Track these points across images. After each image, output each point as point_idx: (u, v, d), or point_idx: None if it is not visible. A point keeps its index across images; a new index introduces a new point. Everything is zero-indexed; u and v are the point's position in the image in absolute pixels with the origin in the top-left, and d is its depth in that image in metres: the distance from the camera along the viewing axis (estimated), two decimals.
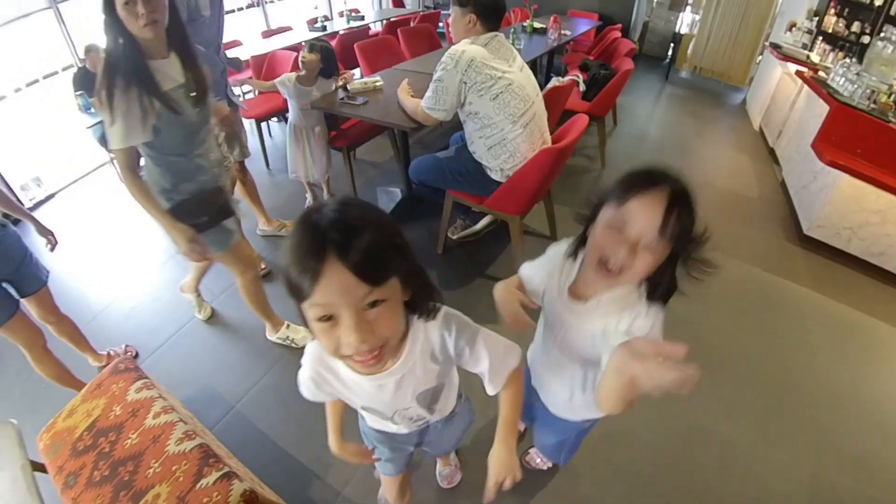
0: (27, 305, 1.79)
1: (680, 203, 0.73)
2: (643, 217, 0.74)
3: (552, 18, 4.24)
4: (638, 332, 0.82)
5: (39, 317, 1.86)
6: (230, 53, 4.26)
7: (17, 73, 3.90)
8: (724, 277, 2.54)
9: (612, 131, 4.30)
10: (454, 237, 2.78)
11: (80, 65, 3.87)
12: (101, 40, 1.36)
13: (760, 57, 5.25)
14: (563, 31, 4.28)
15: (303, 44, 2.89)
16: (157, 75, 1.41)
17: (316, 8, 5.76)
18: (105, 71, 1.33)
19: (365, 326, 0.59)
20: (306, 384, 0.88)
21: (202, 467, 1.29)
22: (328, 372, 0.84)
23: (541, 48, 4.03)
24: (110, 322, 2.42)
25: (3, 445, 1.40)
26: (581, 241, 0.89)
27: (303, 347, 2.22)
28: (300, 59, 2.72)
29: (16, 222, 1.77)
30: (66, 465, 1.35)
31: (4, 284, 1.67)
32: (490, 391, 0.92)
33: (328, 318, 0.59)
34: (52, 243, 1.89)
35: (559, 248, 0.99)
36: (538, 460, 1.68)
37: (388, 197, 3.19)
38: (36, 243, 1.87)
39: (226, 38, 4.64)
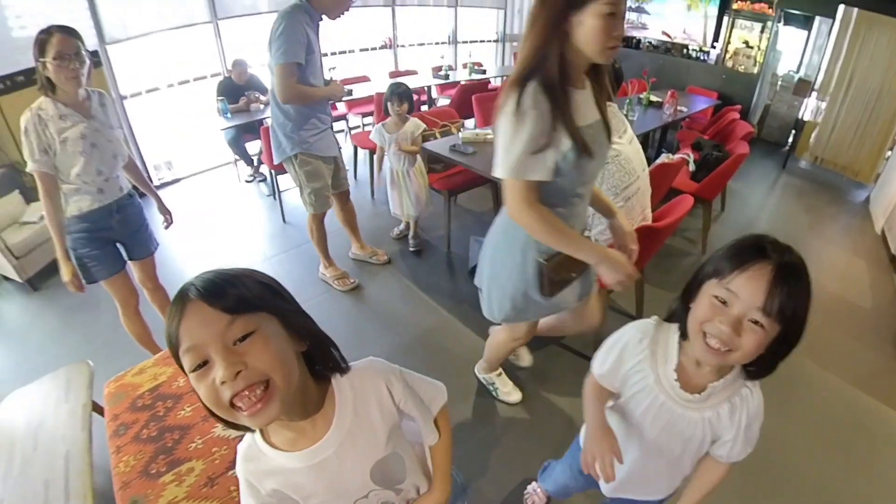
0: (132, 268, 2.02)
1: (789, 279, 0.68)
2: (747, 292, 0.69)
3: (669, 93, 4.17)
4: (755, 416, 0.83)
5: (139, 280, 2.08)
6: (359, 88, 4.67)
7: (173, 71, 4.55)
8: (818, 393, 2.25)
9: (718, 216, 4.06)
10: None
11: (226, 74, 4.43)
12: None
13: (890, 152, 4.75)
14: (679, 107, 4.18)
15: (390, 94, 2.88)
16: (576, 109, 1.19)
17: (442, 57, 6.14)
18: (537, 87, 1.12)
19: (234, 358, 0.57)
20: (242, 489, 0.76)
21: None
22: (259, 467, 0.73)
23: (654, 122, 3.96)
24: None
25: (75, 381, 1.56)
26: (679, 318, 0.83)
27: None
28: (394, 110, 2.81)
29: (142, 196, 2.02)
30: (121, 415, 1.47)
31: (118, 245, 1.91)
32: (429, 441, 0.89)
33: (202, 365, 0.57)
34: (168, 222, 2.14)
35: (642, 330, 0.91)
36: None
37: (479, 246, 3.20)
38: (154, 218, 2.11)
39: (357, 74, 5.15)
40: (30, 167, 1.62)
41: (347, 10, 2.24)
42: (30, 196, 3.08)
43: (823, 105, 5.31)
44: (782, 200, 4.77)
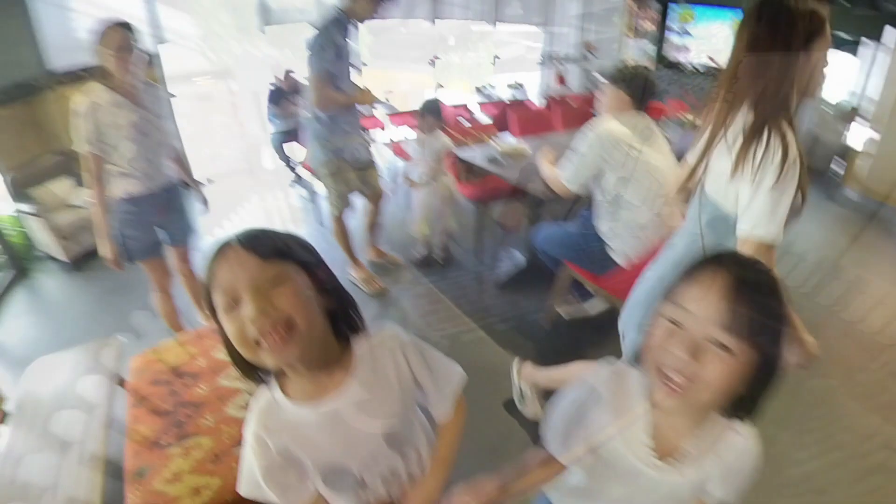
0: (169, 253, 2.11)
1: (752, 290, 0.58)
2: (699, 305, 0.59)
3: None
4: (747, 465, 0.71)
5: (175, 265, 2.17)
6: (401, 101, 4.79)
7: (225, 76, 4.79)
8: (859, 434, 2.10)
9: None
10: (565, 315, 2.66)
11: (275, 82, 4.58)
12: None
13: None
14: None
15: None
16: None
17: (485, 76, 6.27)
18: (792, 132, 1.03)
19: (263, 298, 0.62)
20: (250, 446, 0.75)
21: None
22: (274, 421, 0.74)
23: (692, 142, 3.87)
24: None
25: (105, 353, 1.64)
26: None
27: None
28: (423, 125, 2.81)
29: (187, 188, 2.13)
30: (142, 388, 1.53)
31: (158, 229, 2.01)
32: (440, 416, 0.88)
33: (234, 306, 0.63)
34: (206, 211, 2.24)
35: (598, 382, 0.77)
36: None
37: (510, 259, 3.21)
38: (195, 209, 2.21)
39: (402, 88, 5.29)
40: (80, 148, 1.73)
41: (376, 13, 2.34)
42: (80, 182, 3.26)
43: (873, 134, 5.08)
44: (825, 228, 4.57)
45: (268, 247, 0.65)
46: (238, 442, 1.33)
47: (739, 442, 0.70)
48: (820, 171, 5.85)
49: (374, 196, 2.81)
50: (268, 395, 0.76)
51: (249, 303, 0.62)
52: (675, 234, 1.37)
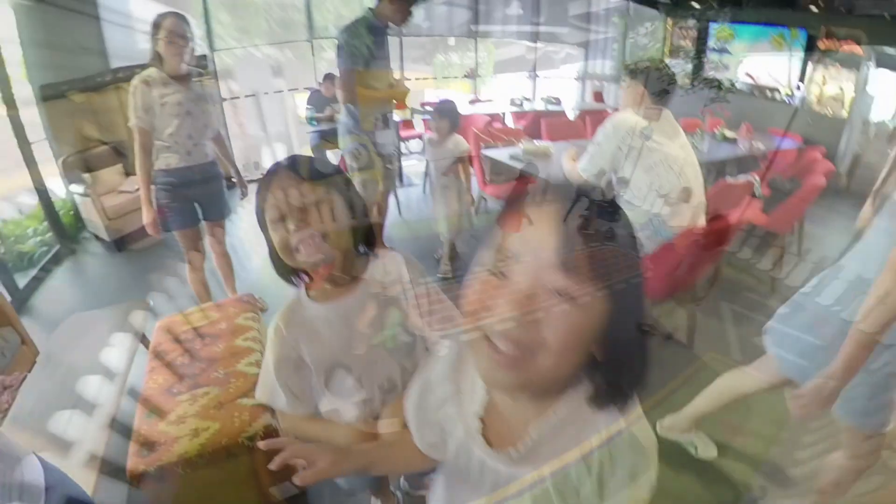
0: (205, 228, 2.24)
1: (590, 219, 0.44)
2: (529, 247, 0.45)
3: (744, 127, 3.98)
4: (629, 469, 0.51)
5: (209, 242, 2.30)
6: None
7: (270, 81, 5.05)
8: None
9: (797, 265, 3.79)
10: None
11: (316, 87, 4.82)
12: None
13: None
14: (756, 144, 3.94)
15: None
16: None
17: (520, 89, 6.38)
18: None
19: (303, 213, 0.77)
20: (269, 339, 0.88)
21: (251, 391, 1.41)
22: (294, 317, 0.87)
23: (726, 153, 3.79)
24: (263, 280, 2.59)
25: (133, 313, 1.76)
26: None
27: None
28: (434, 126, 2.80)
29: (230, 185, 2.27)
30: (164, 344, 1.64)
31: (196, 204, 2.15)
32: (440, 349, 0.90)
33: (281, 220, 0.77)
34: (244, 194, 2.38)
35: (445, 356, 0.65)
36: None
37: None
38: (235, 203, 2.35)
39: (438, 98, 5.44)
40: (132, 122, 1.92)
41: (410, 15, 2.44)
42: (130, 169, 3.51)
43: None
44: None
45: (310, 170, 0.79)
46: (243, 394, 1.40)
47: (618, 444, 0.52)
48: (862, 191, 5.58)
49: (385, 193, 2.89)
50: (296, 296, 0.90)
51: (293, 218, 0.77)
52: (868, 234, 1.29)
